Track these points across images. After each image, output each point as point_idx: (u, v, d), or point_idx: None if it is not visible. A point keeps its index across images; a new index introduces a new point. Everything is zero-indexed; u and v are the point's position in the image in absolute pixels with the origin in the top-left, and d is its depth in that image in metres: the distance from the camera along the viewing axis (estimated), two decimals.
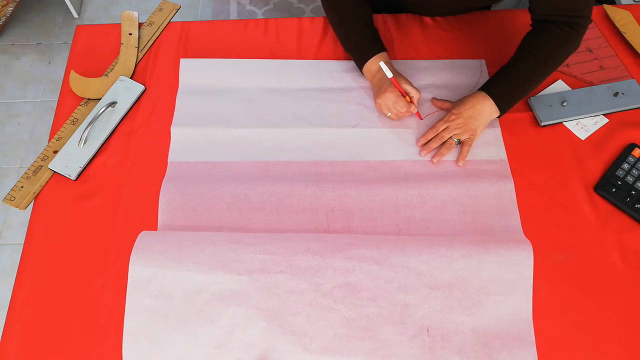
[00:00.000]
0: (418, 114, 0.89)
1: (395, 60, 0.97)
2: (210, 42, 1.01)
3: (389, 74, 0.84)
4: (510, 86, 0.85)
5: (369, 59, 0.89)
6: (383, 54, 0.90)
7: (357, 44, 0.91)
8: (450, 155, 0.87)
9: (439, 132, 0.87)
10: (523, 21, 1.00)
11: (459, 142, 0.87)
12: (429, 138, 0.87)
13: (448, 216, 0.81)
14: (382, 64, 0.85)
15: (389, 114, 0.88)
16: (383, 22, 1.02)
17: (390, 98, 0.86)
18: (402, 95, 0.86)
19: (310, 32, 1.01)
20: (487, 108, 0.85)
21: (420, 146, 0.88)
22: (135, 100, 0.93)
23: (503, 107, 0.85)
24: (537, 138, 0.89)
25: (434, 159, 0.86)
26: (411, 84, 0.87)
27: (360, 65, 0.91)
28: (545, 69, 0.85)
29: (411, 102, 0.87)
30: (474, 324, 0.72)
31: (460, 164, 0.86)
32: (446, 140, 0.86)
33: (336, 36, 0.96)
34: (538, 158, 0.87)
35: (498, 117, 0.87)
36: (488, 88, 0.86)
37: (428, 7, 1.00)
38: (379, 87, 0.89)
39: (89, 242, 0.80)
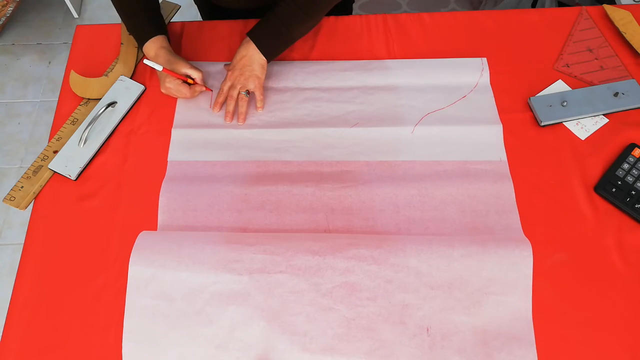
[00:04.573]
0: (207, 88, 0.92)
1: (393, 60, 0.97)
2: (210, 42, 1.01)
3: (158, 68, 0.86)
4: (274, 35, 0.88)
5: (144, 44, 0.89)
6: (158, 39, 0.89)
7: (134, 29, 0.91)
8: (451, 154, 0.87)
9: (224, 92, 0.90)
10: (523, 20, 1.00)
11: (248, 93, 0.90)
12: (221, 102, 0.91)
13: (447, 216, 0.81)
14: (147, 61, 0.86)
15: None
16: (383, 22, 1.02)
17: (171, 89, 0.89)
18: (184, 80, 0.89)
19: None
20: (256, 54, 0.88)
21: (218, 112, 0.91)
22: (135, 100, 0.93)
23: (269, 55, 0.89)
24: (537, 138, 0.89)
25: (239, 121, 0.90)
26: (191, 65, 0.88)
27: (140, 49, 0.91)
28: (305, 16, 0.86)
29: (195, 83, 0.89)
30: (473, 323, 0.72)
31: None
32: (237, 97, 0.90)
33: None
34: (538, 158, 0.86)
35: (269, 61, 0.89)
36: (255, 38, 0.88)
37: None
38: (160, 75, 0.90)
39: (89, 242, 0.80)
